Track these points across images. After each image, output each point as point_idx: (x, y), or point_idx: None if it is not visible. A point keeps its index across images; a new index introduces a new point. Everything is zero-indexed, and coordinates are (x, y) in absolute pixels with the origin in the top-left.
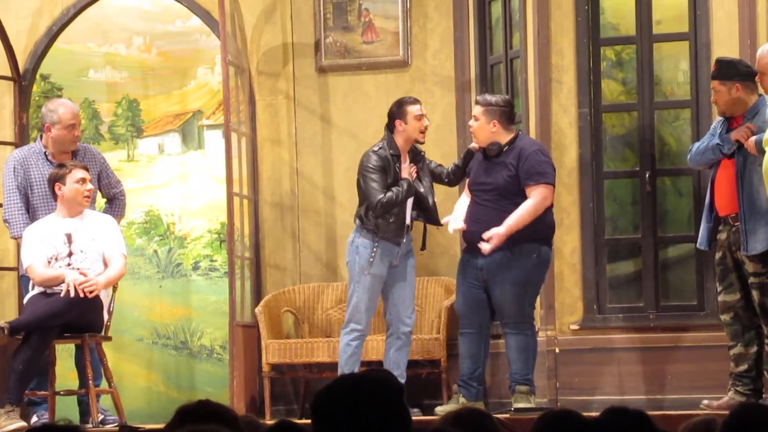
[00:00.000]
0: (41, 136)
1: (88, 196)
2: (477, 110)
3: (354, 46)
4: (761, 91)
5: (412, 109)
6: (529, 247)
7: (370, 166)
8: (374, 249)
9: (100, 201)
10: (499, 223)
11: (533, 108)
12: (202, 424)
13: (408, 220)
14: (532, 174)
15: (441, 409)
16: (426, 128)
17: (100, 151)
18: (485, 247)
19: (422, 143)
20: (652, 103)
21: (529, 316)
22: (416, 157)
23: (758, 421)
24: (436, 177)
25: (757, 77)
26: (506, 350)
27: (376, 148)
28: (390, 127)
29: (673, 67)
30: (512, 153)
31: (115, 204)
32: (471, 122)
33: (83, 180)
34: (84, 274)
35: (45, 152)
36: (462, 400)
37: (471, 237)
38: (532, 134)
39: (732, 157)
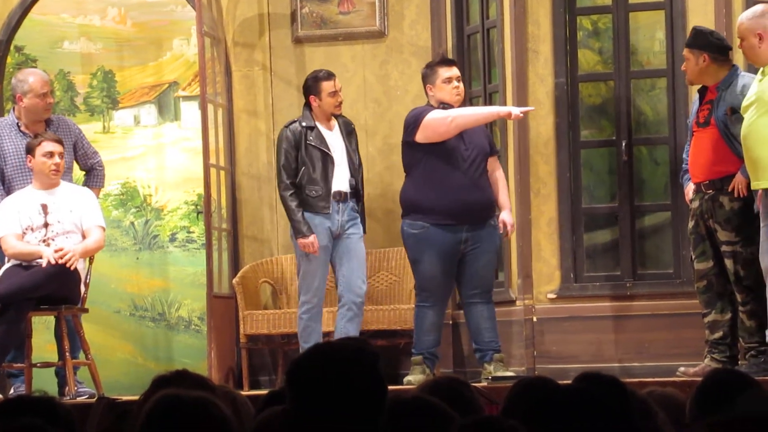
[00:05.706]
0: (14, 108)
1: (55, 170)
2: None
3: (330, 17)
4: (740, 62)
5: (327, 86)
6: (494, 219)
7: (282, 146)
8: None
9: (78, 172)
10: (492, 191)
11: (510, 78)
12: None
13: (339, 188)
14: (494, 144)
15: (415, 379)
16: (341, 103)
17: (76, 123)
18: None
19: (338, 115)
20: (628, 73)
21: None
22: (350, 134)
23: (731, 387)
24: None
25: (738, 44)
26: (477, 320)
27: (288, 123)
28: (306, 100)
29: (649, 36)
30: None
31: (92, 175)
32: (458, 83)
33: (51, 153)
34: (60, 249)
35: (18, 123)
36: (427, 371)
37: (472, 209)
38: (509, 104)
39: (706, 126)
